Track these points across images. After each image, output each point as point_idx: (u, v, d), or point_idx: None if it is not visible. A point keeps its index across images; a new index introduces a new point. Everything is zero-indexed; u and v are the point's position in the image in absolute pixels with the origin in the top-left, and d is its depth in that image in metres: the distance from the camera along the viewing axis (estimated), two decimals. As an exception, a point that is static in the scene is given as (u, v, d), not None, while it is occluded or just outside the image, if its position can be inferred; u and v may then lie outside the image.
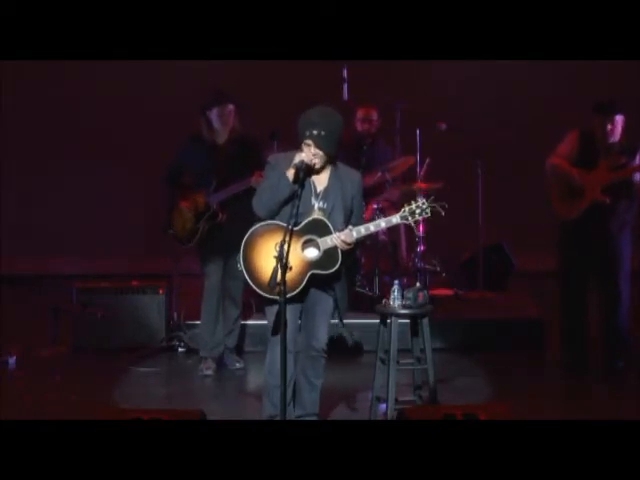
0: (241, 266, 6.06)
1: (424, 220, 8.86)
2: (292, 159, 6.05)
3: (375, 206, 8.93)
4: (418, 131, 9.23)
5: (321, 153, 6.03)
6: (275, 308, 6.01)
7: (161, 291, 8.63)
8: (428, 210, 6.10)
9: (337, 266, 6.08)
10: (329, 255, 6.06)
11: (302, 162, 5.99)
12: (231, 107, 7.77)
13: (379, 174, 8.99)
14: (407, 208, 6.10)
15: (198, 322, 8.14)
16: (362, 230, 6.07)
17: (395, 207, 9.29)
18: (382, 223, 6.17)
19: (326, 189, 6.15)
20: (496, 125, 10.76)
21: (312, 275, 6.07)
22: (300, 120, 6.06)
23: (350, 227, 6.07)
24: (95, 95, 11.02)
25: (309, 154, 6.02)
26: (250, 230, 6.09)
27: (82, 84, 10.98)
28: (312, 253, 6.06)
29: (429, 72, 10.64)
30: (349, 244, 6.05)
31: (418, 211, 6.11)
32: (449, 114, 9.66)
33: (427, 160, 9.13)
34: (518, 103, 10.84)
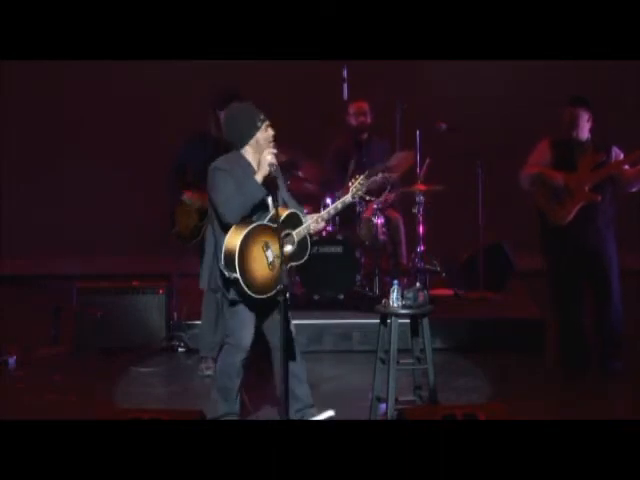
0: (236, 274, 6.02)
1: (424, 220, 9.02)
2: (238, 161, 6.18)
3: (375, 206, 8.95)
4: (418, 131, 9.23)
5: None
6: (240, 310, 6.16)
7: (161, 291, 8.64)
8: (363, 182, 6.41)
9: (308, 254, 6.24)
10: (301, 245, 6.23)
11: (275, 165, 6.11)
12: None
13: (379, 175, 8.98)
14: (353, 187, 6.40)
15: (198, 322, 8.15)
16: (325, 215, 6.34)
17: (394, 207, 9.33)
18: (339, 205, 6.43)
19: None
20: (496, 125, 10.77)
21: (289, 268, 6.18)
22: (242, 116, 6.20)
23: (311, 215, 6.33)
24: (95, 95, 11.02)
25: (272, 153, 6.13)
26: (243, 236, 6.03)
27: (82, 84, 10.98)
28: (289, 247, 6.17)
29: (429, 72, 10.64)
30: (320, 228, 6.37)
31: (359, 187, 6.40)
32: (449, 114, 9.66)
33: (427, 160, 9.13)
34: (518, 103, 10.83)
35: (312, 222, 6.25)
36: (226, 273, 6.07)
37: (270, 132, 6.22)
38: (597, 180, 7.58)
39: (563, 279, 7.77)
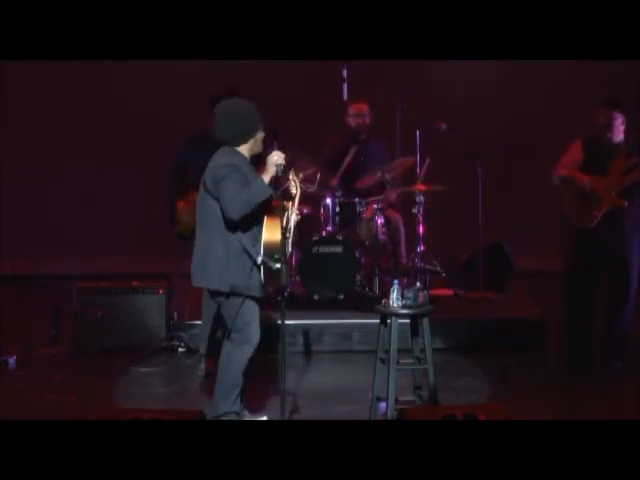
0: (281, 264, 6.03)
1: (424, 220, 9.02)
2: (240, 157, 6.22)
3: (375, 206, 8.94)
4: (418, 131, 9.23)
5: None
6: (250, 306, 6.19)
7: (161, 291, 8.63)
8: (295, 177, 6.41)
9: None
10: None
11: (282, 165, 6.13)
12: None
13: (379, 174, 8.99)
14: (293, 182, 6.35)
15: (198, 322, 8.14)
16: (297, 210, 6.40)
17: (394, 207, 9.33)
18: (296, 200, 6.36)
19: None
20: (496, 125, 10.77)
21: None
22: (247, 112, 6.25)
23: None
24: (95, 95, 11.02)
25: (278, 153, 6.14)
26: (281, 227, 6.09)
27: (83, 84, 10.99)
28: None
29: (429, 72, 10.64)
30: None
31: (295, 179, 6.37)
32: (449, 114, 9.66)
33: (427, 160, 9.13)
34: (518, 103, 10.84)
35: (293, 215, 6.31)
36: (270, 265, 6.06)
37: (262, 133, 6.27)
38: (626, 185, 7.55)
39: (581, 280, 7.77)
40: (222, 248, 6.19)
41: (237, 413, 6.31)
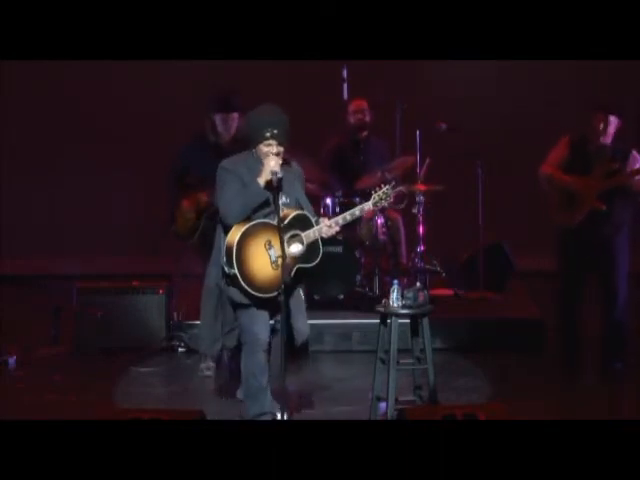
0: (234, 269, 6.06)
1: (424, 220, 9.02)
2: (245, 161, 6.22)
3: (375, 206, 8.93)
4: (418, 131, 9.23)
5: (282, 149, 6.18)
6: (247, 307, 6.20)
7: (161, 291, 8.63)
8: (389, 193, 6.36)
9: (319, 258, 6.24)
10: (311, 248, 6.24)
11: (277, 172, 6.10)
12: (235, 115, 7.82)
13: (379, 174, 8.99)
14: (376, 195, 6.36)
15: (198, 322, 8.13)
16: (340, 220, 6.30)
17: (395, 207, 9.32)
18: (357, 212, 6.40)
19: (283, 185, 6.28)
20: (496, 125, 10.77)
21: (297, 269, 6.21)
22: (253, 121, 6.21)
23: (324, 219, 6.29)
24: (95, 95, 11.02)
25: (276, 160, 6.12)
26: (242, 232, 6.09)
27: (83, 84, 10.99)
28: (296, 248, 6.21)
29: (429, 72, 10.65)
30: (332, 233, 6.28)
31: (384, 196, 6.36)
32: (449, 114, 9.66)
33: (427, 160, 9.13)
34: (518, 103, 10.84)
35: (325, 226, 6.23)
36: (226, 269, 6.11)
37: (273, 149, 6.15)
38: (606, 188, 7.55)
39: (567, 280, 7.80)
40: (217, 251, 6.33)
41: (273, 414, 6.27)
